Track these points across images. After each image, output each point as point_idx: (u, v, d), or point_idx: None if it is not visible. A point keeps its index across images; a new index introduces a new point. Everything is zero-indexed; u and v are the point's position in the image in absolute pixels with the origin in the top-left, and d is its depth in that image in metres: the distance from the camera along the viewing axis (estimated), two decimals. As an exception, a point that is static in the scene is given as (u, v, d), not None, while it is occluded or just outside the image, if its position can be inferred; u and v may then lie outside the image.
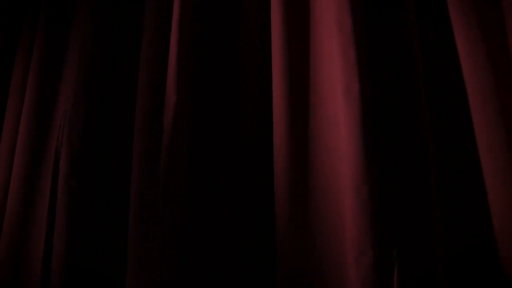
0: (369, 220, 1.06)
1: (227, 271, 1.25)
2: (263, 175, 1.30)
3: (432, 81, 1.22)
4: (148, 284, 1.27)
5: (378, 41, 1.24)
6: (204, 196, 1.31)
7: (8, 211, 1.54)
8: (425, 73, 1.21)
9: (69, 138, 1.46)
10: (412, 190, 1.12)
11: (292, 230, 1.18)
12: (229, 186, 1.31)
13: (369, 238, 1.05)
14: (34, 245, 1.49)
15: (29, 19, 1.82)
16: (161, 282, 1.25)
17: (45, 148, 1.61)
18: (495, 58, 1.15)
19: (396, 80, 1.20)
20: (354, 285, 1.05)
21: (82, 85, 1.52)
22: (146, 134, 1.39)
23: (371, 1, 1.26)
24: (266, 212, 1.26)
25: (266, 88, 1.37)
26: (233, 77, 1.41)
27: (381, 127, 1.15)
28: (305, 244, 1.17)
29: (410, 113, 1.17)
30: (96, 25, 1.59)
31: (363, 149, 1.09)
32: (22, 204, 1.54)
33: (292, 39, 1.31)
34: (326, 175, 1.19)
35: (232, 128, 1.36)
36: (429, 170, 1.12)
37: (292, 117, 1.25)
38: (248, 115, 1.36)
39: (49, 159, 1.58)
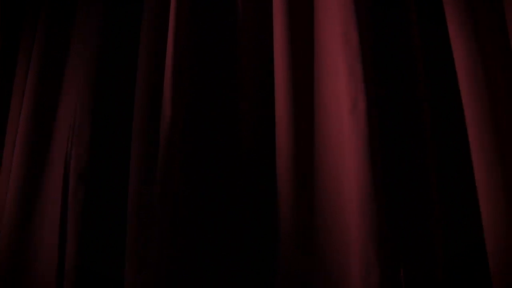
0: (376, 240, 1.05)
1: (226, 271, 1.24)
2: (262, 174, 1.29)
3: (432, 85, 1.22)
4: (147, 284, 1.27)
5: (383, 53, 1.24)
6: (202, 196, 1.31)
7: (7, 211, 1.53)
8: (426, 77, 1.21)
9: (77, 151, 1.47)
10: (415, 200, 1.13)
11: (295, 229, 1.18)
12: (226, 185, 1.31)
13: (375, 258, 1.05)
14: (36, 247, 1.49)
15: (29, 18, 1.82)
16: (160, 282, 1.25)
17: (47, 149, 1.61)
18: (492, 58, 1.15)
19: (399, 91, 1.20)
20: None
21: (89, 93, 1.52)
22: (144, 134, 1.39)
23: (377, 14, 1.26)
24: (266, 211, 1.26)
25: (264, 88, 1.37)
26: (229, 77, 1.40)
27: (386, 141, 1.16)
28: (308, 243, 1.17)
29: (414, 124, 1.17)
30: (101, 26, 1.59)
31: (369, 167, 1.09)
32: (20, 204, 1.53)
33: (295, 50, 1.30)
34: (330, 176, 1.19)
35: (228, 128, 1.36)
36: (431, 179, 1.13)
37: (296, 134, 1.24)
38: (245, 115, 1.36)
39: (52, 161, 1.58)
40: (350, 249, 1.09)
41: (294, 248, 1.16)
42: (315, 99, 1.27)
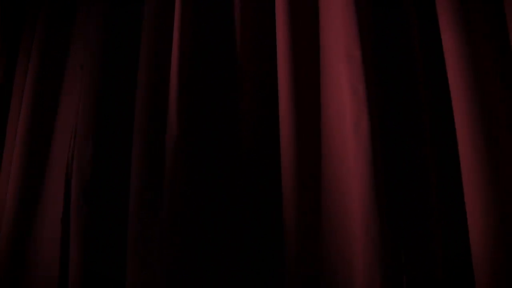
0: (378, 258, 1.06)
1: (229, 272, 1.24)
2: (265, 175, 1.30)
3: (434, 95, 1.23)
4: (148, 284, 1.28)
5: (385, 68, 1.25)
6: (204, 197, 1.31)
7: (7, 211, 1.53)
8: (427, 89, 1.22)
9: (79, 152, 1.47)
10: (415, 202, 1.14)
11: (299, 229, 1.18)
12: (229, 186, 1.31)
13: (377, 259, 1.06)
14: (37, 247, 1.49)
15: (29, 18, 1.82)
16: (161, 282, 1.25)
17: (47, 149, 1.60)
18: (487, 60, 1.16)
19: (401, 109, 1.21)
20: None
21: (90, 93, 1.52)
22: (145, 134, 1.39)
23: (380, 33, 1.27)
24: (269, 212, 1.26)
25: (264, 88, 1.37)
26: (230, 77, 1.41)
27: (388, 145, 1.17)
28: (313, 244, 1.18)
29: (414, 130, 1.17)
30: (101, 26, 1.59)
31: (372, 187, 1.10)
32: (21, 204, 1.53)
33: (299, 69, 1.30)
34: (335, 177, 1.20)
35: (231, 129, 1.36)
36: (431, 181, 1.13)
37: (299, 136, 1.24)
38: (245, 115, 1.36)
39: (53, 161, 1.58)
40: (354, 249, 1.10)
41: (300, 247, 1.17)
42: (319, 102, 1.28)
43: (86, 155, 1.47)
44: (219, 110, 1.39)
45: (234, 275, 1.24)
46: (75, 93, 1.61)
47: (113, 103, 1.53)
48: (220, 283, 1.24)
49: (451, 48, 1.16)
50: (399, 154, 1.19)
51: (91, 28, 1.61)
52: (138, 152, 1.39)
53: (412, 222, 1.12)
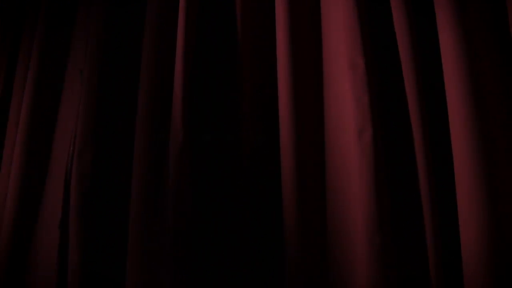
0: (380, 259, 1.08)
1: (231, 272, 1.25)
2: (264, 175, 1.30)
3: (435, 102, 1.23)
4: (148, 284, 1.28)
5: (388, 78, 1.25)
6: (206, 197, 1.32)
7: (7, 211, 1.53)
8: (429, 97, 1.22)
9: (80, 152, 1.46)
10: (415, 203, 1.14)
11: (300, 230, 1.19)
12: (231, 186, 1.32)
13: (380, 272, 1.07)
14: (37, 247, 1.49)
15: (29, 19, 1.82)
16: (162, 283, 1.26)
17: (48, 149, 1.61)
18: (485, 62, 1.16)
19: (402, 117, 1.21)
20: None
21: (91, 94, 1.52)
22: (146, 133, 1.39)
23: (382, 41, 1.27)
24: (269, 212, 1.27)
25: (264, 88, 1.38)
26: (230, 78, 1.41)
27: (389, 162, 1.17)
28: (315, 244, 1.19)
29: (413, 144, 1.17)
30: (101, 26, 1.59)
31: (374, 189, 1.11)
32: (21, 204, 1.53)
33: (299, 69, 1.30)
34: (337, 177, 1.21)
35: (229, 129, 1.37)
36: (431, 183, 1.13)
37: (299, 151, 1.24)
38: (245, 115, 1.37)
39: (53, 161, 1.59)
40: (357, 250, 1.12)
41: (302, 247, 1.17)
42: (321, 103, 1.29)
43: (85, 158, 1.46)
44: (220, 111, 1.40)
45: (235, 275, 1.24)
46: (75, 94, 1.62)
47: (113, 104, 1.53)
48: (222, 283, 1.25)
49: (449, 48, 1.16)
50: (399, 157, 1.19)
51: (91, 28, 1.61)
52: (140, 152, 1.39)
53: (411, 223, 1.13)
